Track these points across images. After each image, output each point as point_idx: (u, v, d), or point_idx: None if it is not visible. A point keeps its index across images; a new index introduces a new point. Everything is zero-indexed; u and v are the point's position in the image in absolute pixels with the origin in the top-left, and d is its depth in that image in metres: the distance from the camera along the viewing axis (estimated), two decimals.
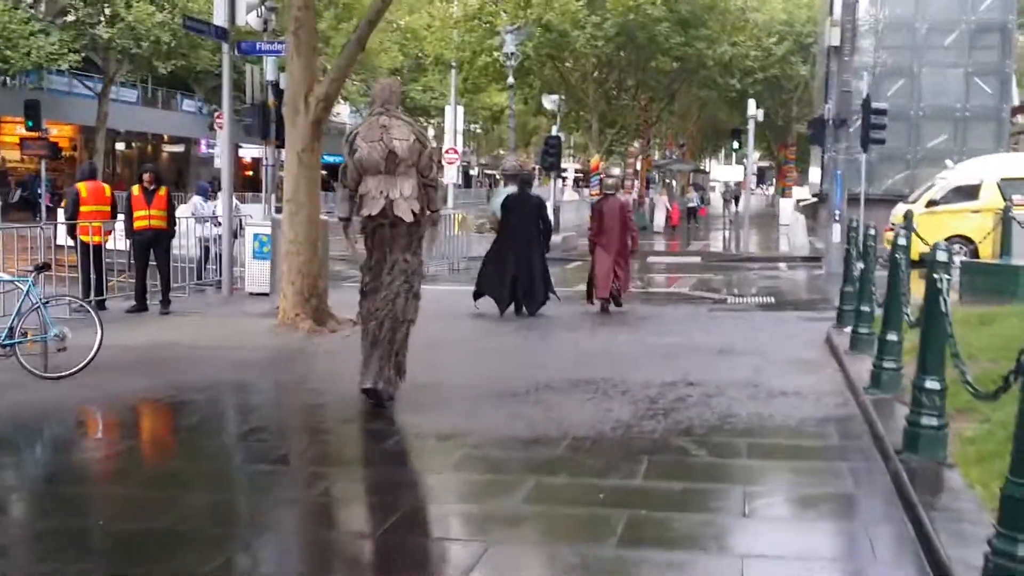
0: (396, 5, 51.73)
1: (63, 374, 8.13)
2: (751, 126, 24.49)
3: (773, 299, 14.38)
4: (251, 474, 5.93)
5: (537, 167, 38.86)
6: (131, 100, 44.98)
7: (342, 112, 65.81)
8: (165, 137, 51.78)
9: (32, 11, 33.71)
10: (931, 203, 19.86)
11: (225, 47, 14.64)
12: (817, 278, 18.65)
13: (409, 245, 7.07)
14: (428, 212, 7.18)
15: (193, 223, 16.38)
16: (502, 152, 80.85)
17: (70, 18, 34.68)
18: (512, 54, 26.44)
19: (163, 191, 12.70)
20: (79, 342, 8.33)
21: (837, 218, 19.27)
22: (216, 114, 39.99)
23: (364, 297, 7.24)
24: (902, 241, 6.88)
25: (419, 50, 42.08)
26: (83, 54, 34.89)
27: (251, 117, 16.34)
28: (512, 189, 27.00)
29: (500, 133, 60.64)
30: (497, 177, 50.79)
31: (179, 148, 51.79)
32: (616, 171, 18.54)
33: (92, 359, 8.28)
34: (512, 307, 12.19)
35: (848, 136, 19.40)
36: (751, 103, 24.62)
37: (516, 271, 12.08)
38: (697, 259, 24.00)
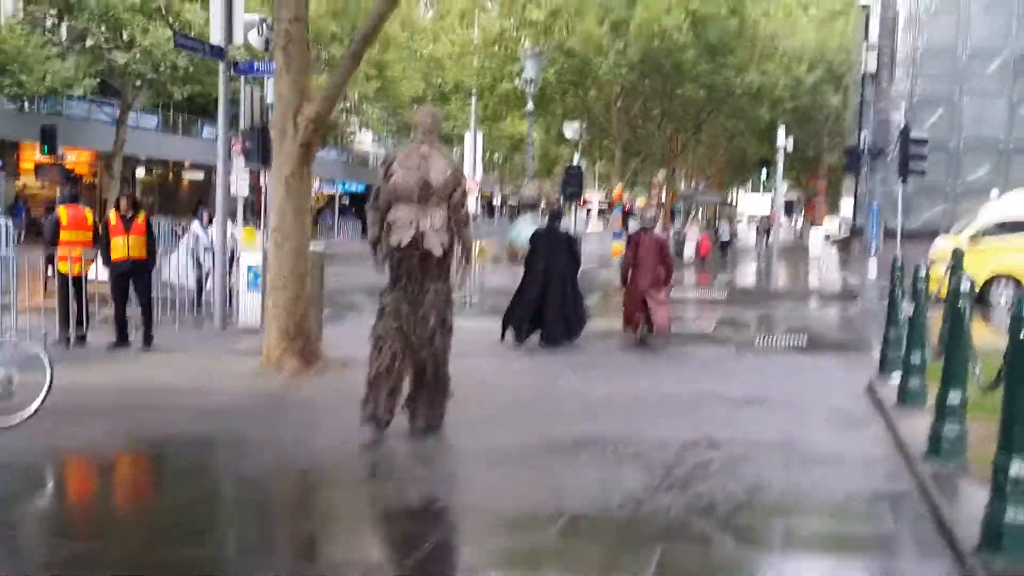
0: (420, 34, 51.35)
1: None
2: (780, 156, 23.41)
3: (805, 340, 13.23)
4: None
5: (559, 197, 37.99)
6: (150, 127, 44.59)
7: (364, 140, 65.49)
8: (186, 164, 51.39)
9: (49, 35, 33.33)
10: (975, 237, 18.70)
11: (222, 67, 13.79)
12: (852, 317, 17.46)
13: (439, 275, 7.06)
14: (459, 246, 7.16)
15: (187, 251, 15.54)
16: (536, 183, 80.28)
17: (88, 43, 34.27)
18: (532, 80, 25.55)
19: (142, 218, 11.82)
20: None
21: (873, 252, 18.15)
22: (234, 141, 39.62)
23: (381, 316, 7.17)
24: (966, 285, 5.78)
25: (441, 78, 41.40)
26: (99, 79, 34.46)
27: (249, 141, 15.45)
28: (530, 217, 26.17)
29: (523, 162, 60.00)
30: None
31: (199, 175, 51.35)
32: (651, 212, 17.71)
33: (38, 409, 7.32)
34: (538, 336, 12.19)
35: (885, 167, 18.29)
36: (780, 131, 23.56)
37: (542, 304, 12.06)
38: (723, 295, 22.85)
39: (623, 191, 54.42)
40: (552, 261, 12.22)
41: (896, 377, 8.73)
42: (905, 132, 18.19)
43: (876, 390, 8.58)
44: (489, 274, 22.75)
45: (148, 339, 11.77)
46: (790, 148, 23.44)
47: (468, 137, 35.31)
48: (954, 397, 5.85)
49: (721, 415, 8.00)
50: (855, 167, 18.22)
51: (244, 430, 7.45)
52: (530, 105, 25.88)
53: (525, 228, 25.34)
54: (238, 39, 13.87)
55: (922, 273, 7.73)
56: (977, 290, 18.09)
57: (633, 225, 33.54)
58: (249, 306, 13.69)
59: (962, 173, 25.63)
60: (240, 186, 35.67)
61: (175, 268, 16.04)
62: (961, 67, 25.68)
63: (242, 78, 16.57)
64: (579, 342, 12.75)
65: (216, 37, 13.70)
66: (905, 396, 7.63)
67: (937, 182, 24.43)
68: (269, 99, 15.50)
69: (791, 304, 20.35)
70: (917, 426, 6.82)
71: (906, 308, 8.98)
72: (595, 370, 10.47)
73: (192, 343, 12.28)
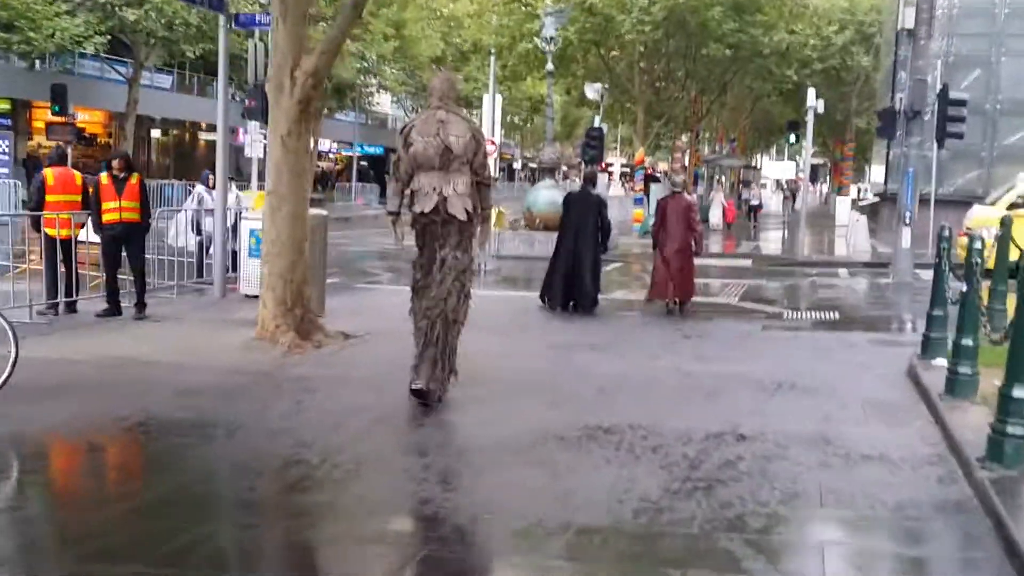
0: None
1: None
2: (810, 117, 22.45)
3: (837, 315, 12.45)
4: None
5: (581, 160, 37.06)
6: (165, 86, 43.85)
7: (383, 102, 64.53)
8: (203, 125, 50.56)
9: None
10: (1014, 205, 17.76)
11: (222, 19, 13.03)
12: (884, 289, 16.64)
13: (460, 243, 6.95)
14: (480, 209, 7.09)
15: (190, 214, 14.91)
16: (557, 145, 79.17)
17: None
18: (552, 38, 24.62)
19: (135, 179, 11.14)
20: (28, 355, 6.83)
21: (908, 221, 17.26)
22: (248, 100, 38.87)
23: (415, 294, 7.12)
24: None
25: (460, 37, 40.42)
26: (110, 37, 33.73)
27: (255, 99, 14.69)
28: (549, 182, 25.29)
29: (543, 125, 58.96)
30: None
31: (214, 136, 50.71)
32: (679, 176, 17.05)
33: (5, 382, 6.73)
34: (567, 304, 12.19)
35: (922, 130, 17.35)
36: (811, 93, 22.57)
37: (568, 268, 12.11)
38: (748, 262, 22.04)
39: (645, 155, 53.40)
40: (583, 224, 12.18)
41: (941, 362, 8.01)
42: (943, 93, 17.22)
43: (919, 376, 7.83)
44: (507, 241, 22.03)
45: (141, 307, 11.17)
46: (820, 110, 22.43)
47: (487, 98, 34.47)
48: (1020, 391, 5.10)
49: (748, 402, 7.28)
50: (890, 130, 17.26)
51: (224, 414, 6.80)
52: (550, 65, 24.98)
53: (544, 193, 24.53)
54: None
55: (977, 245, 6.91)
56: (1016, 260, 17.34)
57: (656, 190, 32.67)
58: (252, 273, 12.96)
59: (999, 136, 24.57)
60: (254, 147, 34.85)
61: (178, 231, 15.48)
62: (999, 26, 24.54)
63: (249, 32, 15.82)
64: (597, 312, 12.10)
65: None
66: (954, 386, 6.88)
67: (972, 146, 23.41)
68: None
69: (820, 274, 19.51)
70: (970, 422, 6.09)
71: (954, 284, 8.21)
72: (611, 347, 9.78)
73: (188, 312, 11.67)
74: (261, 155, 37.09)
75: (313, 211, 12.28)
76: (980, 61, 24.02)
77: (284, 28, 9.52)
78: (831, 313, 12.55)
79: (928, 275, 19.22)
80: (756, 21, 29.53)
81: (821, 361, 9.12)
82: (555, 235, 23.29)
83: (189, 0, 13.60)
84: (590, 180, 13.17)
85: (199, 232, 14.70)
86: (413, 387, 6.90)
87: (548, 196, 24.33)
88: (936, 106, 17.36)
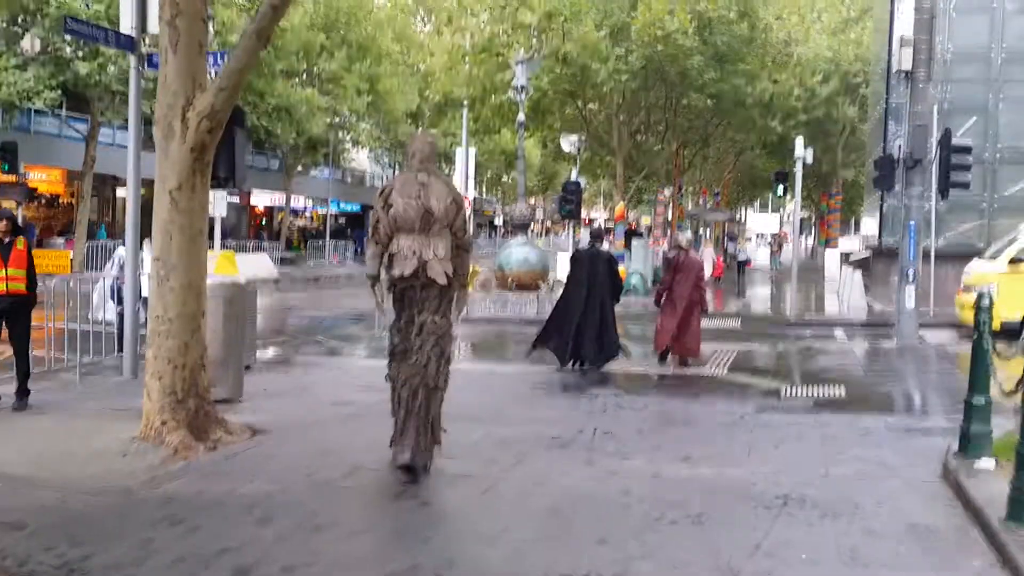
0: (415, 48, 49.12)
1: None
2: (798, 168, 20.97)
3: (842, 391, 10.73)
4: None
5: (558, 215, 35.53)
6: (126, 143, 42.35)
7: (359, 158, 63.26)
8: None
9: (10, 46, 31.12)
10: (1015, 260, 16.28)
11: (133, 60, 11.41)
12: (888, 355, 14.97)
13: (439, 307, 6.87)
14: (459, 274, 7.00)
15: (109, 282, 13.23)
16: (530, 201, 77.81)
17: (49, 52, 32.05)
18: (523, 88, 23.20)
19: (22, 244, 9.45)
20: None
21: (912, 279, 15.66)
22: None
23: (393, 359, 6.93)
24: None
25: (430, 91, 39.17)
26: (66, 93, 32.23)
27: None
28: (521, 239, 23.73)
29: (530, 180, 57.65)
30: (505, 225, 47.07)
31: None
32: (686, 235, 15.99)
33: None
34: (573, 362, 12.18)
35: (924, 179, 15.84)
36: (799, 142, 21.12)
37: (579, 325, 11.98)
38: (736, 323, 20.39)
39: (626, 209, 52.10)
40: (595, 281, 12.10)
41: (987, 464, 6.32)
42: (945, 139, 15.74)
43: (962, 485, 6.11)
44: (477, 302, 20.31)
45: (22, 394, 9.40)
46: (809, 160, 20.98)
47: (460, 152, 33.09)
48: None
49: (745, 531, 5.54)
50: (888, 180, 15.75)
51: (29, 565, 4.99)
52: (521, 115, 23.54)
53: (516, 251, 22.98)
54: (152, 27, 11.46)
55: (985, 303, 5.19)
56: (1019, 319, 15.76)
57: (638, 245, 31.14)
58: None
59: (999, 187, 23.16)
60: (214, 204, 33.20)
61: (98, 301, 13.82)
62: (996, 72, 23.26)
63: None
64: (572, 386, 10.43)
65: (126, 24, 11.38)
66: (1021, 510, 5.15)
67: (970, 197, 21.93)
68: None
69: (815, 336, 17.85)
70: None
71: (999, 366, 6.54)
72: (578, 440, 8.03)
73: (80, 400, 9.84)
74: (223, 213, 35.68)
75: (228, 279, 10.61)
76: (977, 108, 22.67)
77: (174, 61, 7.88)
78: (835, 389, 10.83)
79: (934, 336, 17.78)
80: (738, 70, 28.27)
81: (833, 459, 7.38)
82: (531, 294, 21.89)
83: (89, 37, 11.92)
84: (597, 237, 13.01)
85: (120, 301, 12.96)
86: (398, 463, 6.70)
87: (521, 254, 22.80)
88: (938, 153, 15.85)
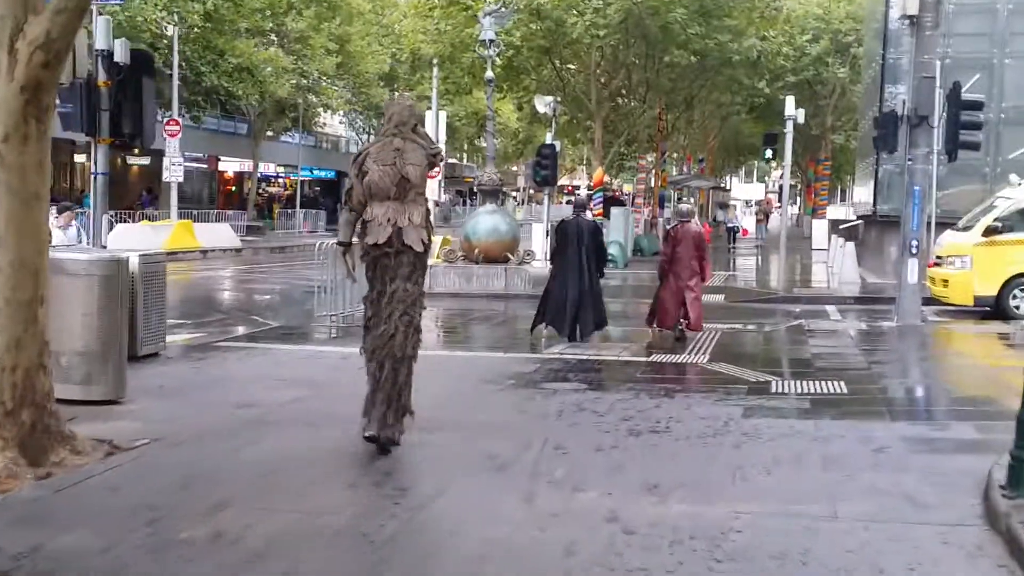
0: (389, 7, 46.99)
1: None
2: (789, 129, 19.27)
3: (843, 385, 9.09)
4: None
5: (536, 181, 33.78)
6: None
7: (332, 123, 61.15)
8: (136, 150, 46.78)
9: None
10: (990, 231, 14.85)
11: None
12: (889, 336, 13.39)
13: (411, 274, 6.66)
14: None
15: None
16: (511, 167, 75.83)
17: None
18: (492, 42, 21.34)
19: None
20: None
21: (915, 250, 14.04)
22: (167, 120, 35.32)
23: (368, 332, 6.72)
24: None
25: (399, 50, 37.18)
26: None
27: (71, 103, 11.17)
28: (490, 207, 21.94)
29: (508, 146, 55.58)
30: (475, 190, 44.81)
31: (146, 160, 47.05)
32: (686, 205, 14.94)
33: None
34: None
35: (929, 139, 14.18)
36: (789, 101, 19.41)
37: (577, 295, 11.97)
38: (721, 297, 18.79)
39: (608, 176, 50.29)
40: (581, 251, 12.03)
41: None
42: (954, 93, 14.07)
43: (1018, 536, 4.50)
44: (439, 275, 18.58)
45: None
46: (801, 120, 19.29)
47: (429, 115, 31.20)
48: None
49: None
50: (891, 140, 14.08)
51: None
52: (489, 72, 21.67)
53: (484, 219, 21.19)
54: None
55: None
56: (994, 294, 14.32)
57: (617, 213, 29.52)
58: None
59: (1003, 149, 21.48)
60: (172, 170, 31.15)
61: None
62: (1001, 25, 21.54)
63: None
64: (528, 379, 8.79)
65: None
66: None
67: (970, 160, 20.26)
68: (99, 44, 11.26)
69: (806, 313, 16.25)
70: None
71: None
72: (521, 460, 6.38)
73: None
74: (180, 179, 33.71)
75: (105, 255, 8.87)
76: (981, 64, 20.96)
77: None
78: (834, 383, 9.19)
79: (940, 317, 16.22)
80: (724, 26, 26.44)
81: (841, 490, 5.75)
82: (498, 267, 20.18)
83: None
84: (581, 207, 13.19)
85: None
86: (365, 435, 6.53)
87: (489, 223, 20.99)
88: (945, 110, 14.17)
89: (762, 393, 8.78)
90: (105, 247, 11.66)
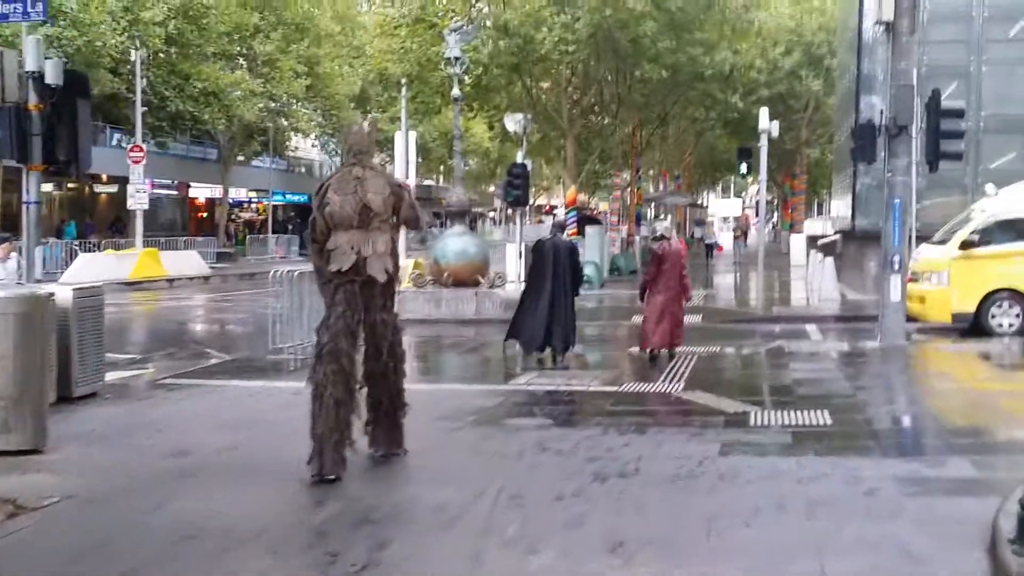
0: (359, 29, 46.41)
1: None
2: (763, 143, 18.76)
3: (826, 416, 8.45)
4: None
5: (505, 202, 33.17)
6: None
7: (304, 146, 60.51)
8: (104, 177, 45.84)
9: None
10: (967, 244, 14.38)
11: None
12: (872, 358, 12.79)
13: (384, 304, 6.80)
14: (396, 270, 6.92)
15: None
16: (488, 189, 75.27)
17: None
18: (458, 59, 20.76)
19: None
20: None
21: (897, 266, 13.48)
22: (131, 147, 34.51)
23: (319, 361, 6.55)
24: None
25: (363, 67, 36.60)
26: None
27: (1, 129, 10.45)
28: (459, 229, 21.27)
29: (483, 166, 55.07)
30: (444, 214, 44.31)
31: (114, 188, 46.14)
32: (664, 223, 14.64)
33: None
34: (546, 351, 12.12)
35: (909, 149, 13.66)
36: (763, 113, 18.91)
37: (548, 313, 11.98)
38: (698, 318, 18.19)
39: (582, 194, 49.76)
40: (558, 271, 12.09)
41: None
42: (933, 101, 13.56)
43: None
44: (408, 301, 17.88)
45: None
46: (775, 133, 18.79)
47: (399, 136, 30.60)
48: None
49: None
50: (868, 151, 13.55)
51: None
52: (456, 90, 21.06)
53: (453, 242, 20.54)
54: None
55: None
56: (972, 311, 13.80)
57: (593, 232, 28.94)
58: None
59: (983, 159, 21.07)
60: (137, 197, 30.36)
61: None
62: (977, 31, 21.17)
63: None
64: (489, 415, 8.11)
65: None
66: None
67: (950, 171, 19.80)
68: (29, 65, 10.54)
69: (785, 333, 15.70)
70: None
71: None
72: (471, 510, 5.70)
73: None
74: (145, 206, 32.91)
75: (22, 291, 8.15)
76: (958, 72, 20.58)
77: None
78: (817, 413, 8.55)
79: (920, 332, 15.64)
80: (695, 40, 25.99)
81: (830, 544, 5.10)
82: (468, 291, 19.52)
83: None
84: (560, 227, 13.58)
85: None
86: (377, 455, 6.95)
87: (458, 245, 20.32)
88: (925, 118, 13.66)
89: (740, 426, 8.13)
90: (40, 281, 10.97)
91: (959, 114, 13.83)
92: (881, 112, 13.50)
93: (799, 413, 8.57)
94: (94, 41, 28.48)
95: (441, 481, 6.51)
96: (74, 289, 9.49)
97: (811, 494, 6.01)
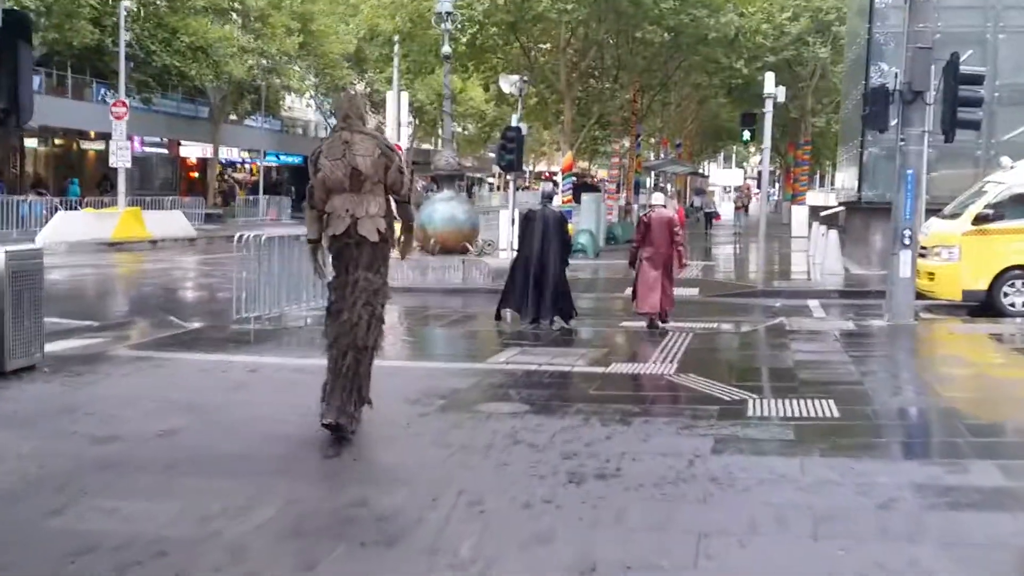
0: None
1: None
2: (768, 108, 17.83)
3: (832, 406, 7.61)
4: None
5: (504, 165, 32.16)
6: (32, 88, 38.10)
7: (298, 106, 59.33)
8: (92, 134, 44.73)
9: None
10: (980, 218, 13.58)
11: None
12: (880, 338, 11.97)
13: (372, 264, 6.71)
14: (404, 223, 7.05)
15: None
16: (488, 154, 74.09)
17: None
18: (449, 14, 19.76)
19: None
20: None
21: (908, 241, 12.63)
22: (113, 102, 33.44)
23: (329, 316, 6.82)
24: None
25: (355, 24, 35.44)
26: None
27: None
28: (447, 193, 20.38)
29: (480, 130, 53.83)
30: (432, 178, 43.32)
31: (101, 145, 45.07)
32: (659, 193, 14.03)
33: None
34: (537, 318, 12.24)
35: (924, 118, 12.76)
36: (769, 78, 17.96)
37: (541, 283, 12.15)
38: (695, 291, 17.37)
39: (582, 160, 48.73)
40: (547, 241, 12.20)
41: None
42: (952, 66, 12.61)
43: None
44: (391, 268, 16.98)
45: None
46: (781, 98, 17.85)
47: (390, 96, 29.66)
48: None
49: None
50: (880, 118, 12.64)
51: None
52: (446, 47, 20.08)
53: (441, 208, 19.68)
54: None
55: None
56: (984, 289, 13.01)
57: (588, 199, 28.09)
58: None
59: (997, 131, 20.13)
60: (120, 155, 29.31)
61: None
62: None
63: None
64: (460, 398, 7.30)
65: None
66: None
67: (962, 143, 18.87)
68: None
69: (786, 309, 14.89)
70: None
71: None
72: (414, 532, 4.87)
73: None
74: (127, 164, 31.89)
75: None
76: (973, 39, 19.55)
77: None
78: (822, 403, 7.72)
79: (931, 314, 14.83)
80: (699, 0, 24.92)
81: (838, 569, 4.30)
82: (455, 259, 18.70)
83: None
84: (548, 197, 13.66)
85: None
86: (323, 422, 6.49)
87: (446, 211, 19.47)
88: (941, 84, 12.72)
89: (737, 417, 7.31)
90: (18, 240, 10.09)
91: (978, 80, 12.91)
92: (895, 75, 12.55)
93: (802, 403, 7.74)
94: None
95: (394, 481, 5.71)
96: (6, 251, 8.62)
97: (817, 506, 5.19)
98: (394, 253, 7.07)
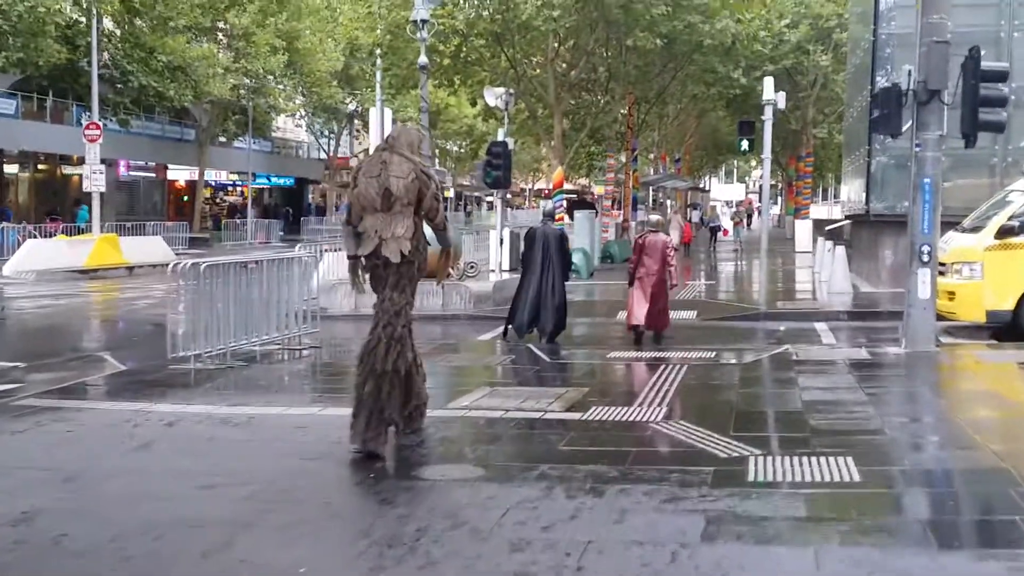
0: (343, 3, 44.06)
1: None
2: (768, 115, 16.54)
3: (852, 468, 6.21)
4: None
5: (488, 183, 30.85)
6: (8, 112, 36.91)
7: (289, 127, 58.23)
8: (75, 158, 43.46)
9: None
10: (1005, 231, 12.29)
11: None
12: (897, 370, 10.57)
13: (397, 283, 6.81)
14: (442, 249, 7.23)
15: None
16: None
17: None
18: (425, 22, 18.52)
19: None
20: None
21: (927, 257, 11.28)
22: (87, 124, 32.21)
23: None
24: None
25: (335, 40, 34.26)
26: None
27: None
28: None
29: (467, 147, 52.76)
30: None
31: (82, 170, 43.85)
32: (655, 216, 13.24)
33: None
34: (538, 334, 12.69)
35: (941, 120, 11.43)
36: (768, 83, 16.67)
37: (538, 300, 12.58)
38: (693, 314, 16.04)
39: (577, 176, 47.45)
40: (548, 259, 12.64)
41: None
42: (972, 61, 11.28)
43: None
44: (369, 293, 15.66)
45: None
46: (781, 104, 16.57)
47: (374, 112, 28.38)
48: None
49: None
50: (892, 121, 11.31)
51: None
52: (423, 57, 18.84)
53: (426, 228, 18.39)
54: None
55: None
56: (1011, 308, 11.60)
57: (581, 217, 26.85)
58: None
59: (1012, 137, 18.78)
60: (93, 179, 27.96)
61: None
62: None
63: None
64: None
65: None
66: None
67: (978, 150, 17.56)
68: None
69: (791, 334, 13.55)
70: None
71: None
72: None
73: None
74: (102, 188, 30.63)
75: None
76: (986, 38, 18.14)
77: None
78: (838, 461, 6.33)
79: (952, 338, 13.41)
80: (692, 6, 23.67)
81: None
82: (434, 283, 17.40)
83: None
84: (550, 215, 14.33)
85: None
86: (351, 447, 6.66)
87: (427, 230, 18.19)
88: (960, 82, 11.39)
89: (734, 482, 5.93)
90: None
91: (1003, 76, 11.62)
92: (908, 73, 11.22)
93: (813, 461, 6.36)
94: (36, 7, 26.13)
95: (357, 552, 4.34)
96: None
97: None
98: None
